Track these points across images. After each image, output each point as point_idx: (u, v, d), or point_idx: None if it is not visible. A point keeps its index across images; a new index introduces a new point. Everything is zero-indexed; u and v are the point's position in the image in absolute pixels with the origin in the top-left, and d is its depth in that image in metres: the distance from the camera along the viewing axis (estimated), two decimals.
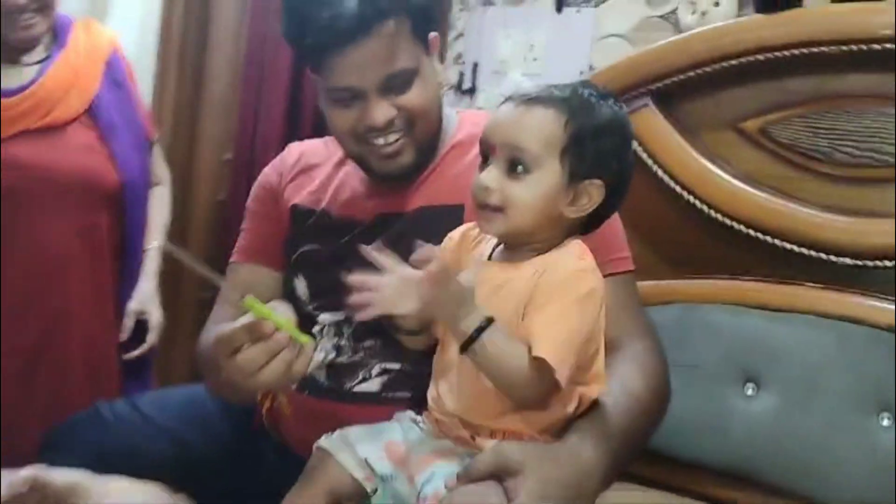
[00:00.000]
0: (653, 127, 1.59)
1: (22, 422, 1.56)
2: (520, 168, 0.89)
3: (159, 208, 1.83)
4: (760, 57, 1.49)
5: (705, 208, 1.53)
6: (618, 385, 0.96)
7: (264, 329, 0.89)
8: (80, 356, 1.67)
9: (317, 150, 1.28)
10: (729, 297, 1.48)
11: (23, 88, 1.61)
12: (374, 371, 1.13)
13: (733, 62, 1.52)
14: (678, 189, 1.56)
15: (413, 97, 1.09)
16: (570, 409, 0.92)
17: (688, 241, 1.58)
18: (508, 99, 0.93)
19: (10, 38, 1.60)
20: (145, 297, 1.75)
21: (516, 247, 0.93)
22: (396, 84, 1.07)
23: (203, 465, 1.21)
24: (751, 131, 1.54)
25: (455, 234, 1.02)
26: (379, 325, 1.08)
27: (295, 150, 1.31)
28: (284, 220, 1.23)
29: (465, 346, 0.85)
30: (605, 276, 0.96)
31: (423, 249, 0.87)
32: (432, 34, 1.14)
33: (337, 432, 0.98)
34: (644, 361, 1.05)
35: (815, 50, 1.44)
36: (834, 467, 1.34)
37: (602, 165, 0.91)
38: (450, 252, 1.01)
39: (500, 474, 0.84)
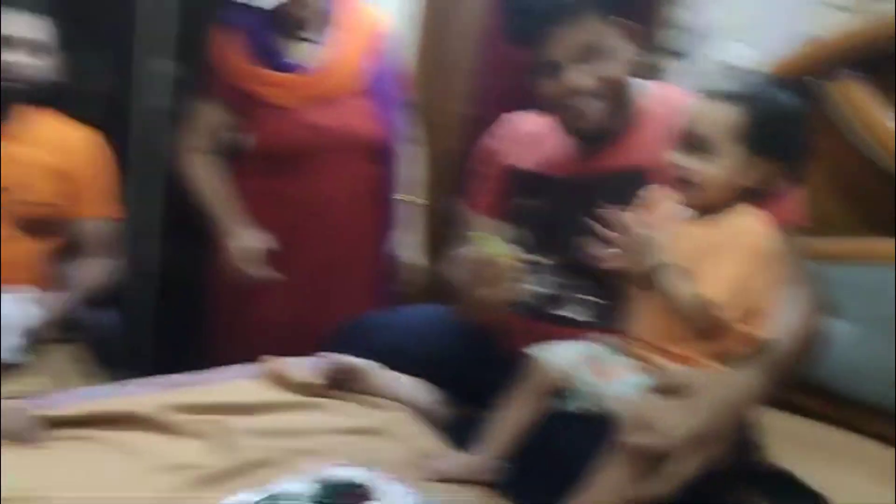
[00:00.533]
0: (859, 96, 1.69)
1: (314, 322, 1.92)
2: (707, 151, 1.13)
3: (417, 165, 2.18)
4: None
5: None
6: (779, 325, 1.17)
7: (485, 259, 1.21)
8: (355, 280, 2.08)
9: (528, 121, 1.56)
10: None
11: (314, 66, 1.96)
12: (575, 301, 1.41)
13: None
14: (879, 154, 1.65)
15: (602, 69, 1.34)
16: (739, 346, 1.15)
17: (886, 203, 1.67)
18: (701, 92, 1.17)
19: (297, 21, 1.96)
20: (411, 246, 2.15)
21: (702, 209, 1.17)
22: (589, 57, 1.34)
23: (446, 364, 1.53)
24: None
25: (649, 194, 1.27)
26: (578, 266, 1.36)
27: (510, 120, 1.59)
28: (502, 178, 1.53)
29: (648, 281, 1.11)
30: (783, 230, 1.19)
31: None
32: (630, 23, 1.37)
33: (545, 345, 1.28)
34: (803, 306, 1.24)
35: None
36: None
37: (775, 148, 1.13)
38: (646, 206, 1.26)
39: (678, 391, 1.09)
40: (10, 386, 1.55)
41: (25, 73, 1.74)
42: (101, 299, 1.96)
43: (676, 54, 2.18)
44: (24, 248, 1.84)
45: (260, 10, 2.00)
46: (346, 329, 1.69)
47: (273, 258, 1.97)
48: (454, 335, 1.58)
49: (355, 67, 2.02)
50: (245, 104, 1.99)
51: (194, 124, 2.04)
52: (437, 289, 2.35)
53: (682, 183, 1.17)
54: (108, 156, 1.96)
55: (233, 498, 0.97)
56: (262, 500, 0.92)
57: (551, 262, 1.45)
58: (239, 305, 2.08)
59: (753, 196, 1.17)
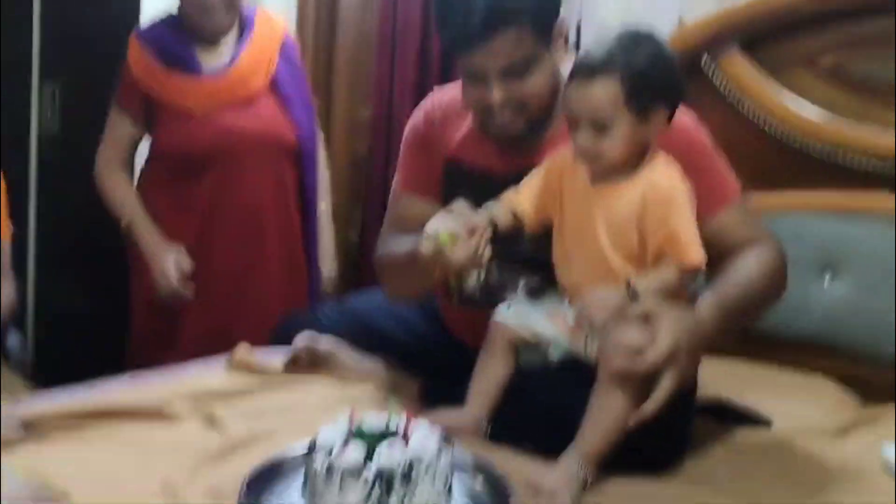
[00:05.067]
0: (739, 69, 1.89)
1: (235, 328, 1.94)
2: (601, 127, 1.22)
3: (322, 170, 2.21)
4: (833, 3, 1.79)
5: (785, 137, 1.83)
6: (737, 271, 1.30)
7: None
8: (276, 283, 2.09)
9: (456, 100, 1.48)
10: (810, 205, 1.80)
11: (223, 70, 2.00)
12: (520, 285, 1.42)
13: (811, 8, 1.82)
14: (761, 122, 1.86)
15: (526, 85, 1.34)
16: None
17: (770, 164, 1.85)
18: (574, 73, 1.24)
19: (204, 28, 1.99)
20: (324, 254, 2.20)
21: (611, 173, 1.26)
22: (514, 72, 1.32)
23: (397, 349, 1.57)
24: (826, 68, 1.83)
25: (557, 159, 1.34)
26: (519, 254, 1.41)
27: (438, 98, 1.55)
28: (437, 164, 1.51)
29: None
30: (727, 208, 1.34)
31: None
32: (557, 25, 1.38)
33: (506, 305, 1.34)
34: (764, 257, 1.35)
35: None
36: None
37: (661, 95, 1.23)
38: (555, 169, 1.33)
39: (648, 318, 1.18)
40: None
41: None
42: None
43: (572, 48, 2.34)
44: None
45: (171, 21, 2.03)
46: (288, 322, 1.71)
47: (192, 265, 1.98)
48: (407, 318, 1.64)
49: (266, 70, 2.06)
50: (159, 113, 2.01)
51: (109, 138, 2.04)
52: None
53: (588, 159, 1.25)
54: None
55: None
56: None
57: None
58: (158, 319, 2.07)
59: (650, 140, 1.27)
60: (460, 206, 1.31)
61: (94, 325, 2.32)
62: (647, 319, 1.19)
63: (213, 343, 1.77)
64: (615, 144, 1.22)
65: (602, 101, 1.21)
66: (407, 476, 0.88)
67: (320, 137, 2.25)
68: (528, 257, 1.43)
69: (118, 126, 2.03)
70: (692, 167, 1.31)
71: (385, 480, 0.88)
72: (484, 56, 1.32)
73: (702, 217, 1.29)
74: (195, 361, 1.49)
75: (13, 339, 1.94)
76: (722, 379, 1.56)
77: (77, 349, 2.29)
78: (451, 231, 1.23)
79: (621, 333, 1.18)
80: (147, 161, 2.11)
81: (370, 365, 1.53)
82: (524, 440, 1.26)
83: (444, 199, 1.47)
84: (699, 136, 1.43)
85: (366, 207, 2.68)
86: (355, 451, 0.90)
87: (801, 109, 1.84)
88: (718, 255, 1.32)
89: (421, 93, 2.50)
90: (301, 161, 2.12)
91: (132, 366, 1.99)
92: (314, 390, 1.39)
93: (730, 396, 1.50)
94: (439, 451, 0.93)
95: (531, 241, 1.42)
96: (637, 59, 1.22)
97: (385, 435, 0.93)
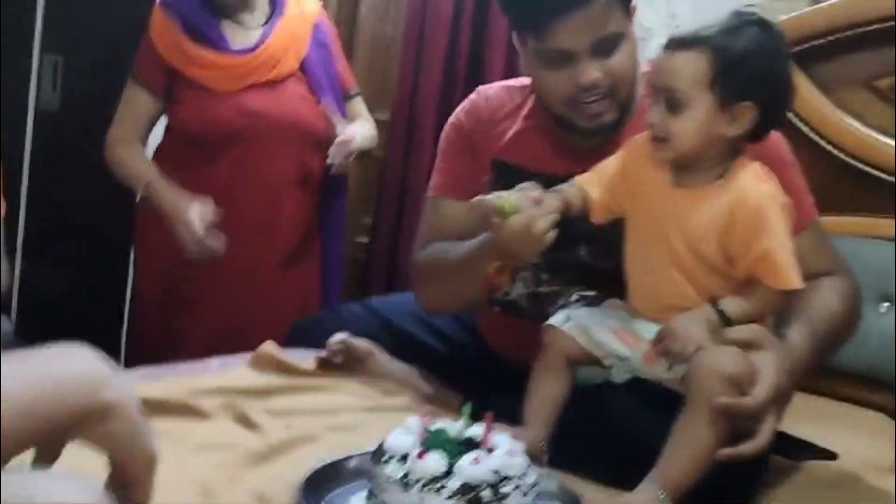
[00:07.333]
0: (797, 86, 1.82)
1: (243, 325, 1.86)
2: (676, 105, 1.07)
3: (366, 130, 2.05)
4: (892, 23, 1.72)
5: (841, 155, 1.76)
6: (823, 304, 1.21)
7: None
8: (287, 279, 1.95)
9: (502, 99, 1.41)
10: (864, 230, 1.71)
11: (252, 49, 1.90)
12: (573, 297, 1.27)
13: (867, 28, 1.75)
14: (817, 138, 1.78)
15: (618, 61, 1.22)
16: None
17: (822, 184, 1.78)
18: (667, 44, 1.10)
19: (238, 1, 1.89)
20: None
21: (691, 169, 1.11)
22: (604, 47, 1.21)
23: (428, 357, 1.45)
24: (883, 89, 1.76)
25: (637, 147, 1.18)
26: (576, 260, 1.29)
27: (485, 96, 1.43)
28: (483, 166, 1.37)
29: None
30: (806, 232, 1.22)
31: None
32: (634, 1, 1.27)
33: (564, 314, 1.19)
34: (842, 288, 1.28)
35: None
36: None
37: (751, 88, 1.07)
38: (634, 159, 1.18)
39: (748, 346, 1.06)
40: None
41: None
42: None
43: None
44: None
45: None
46: (309, 322, 1.61)
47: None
48: (433, 327, 1.52)
49: (296, 53, 1.96)
50: (179, 88, 1.89)
51: (124, 114, 1.92)
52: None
53: (657, 141, 1.10)
54: None
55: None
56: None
57: (539, 262, 1.33)
58: (162, 313, 1.94)
59: (742, 144, 1.13)
60: (529, 185, 1.16)
61: (81, 314, 2.18)
62: (746, 347, 1.07)
63: (222, 340, 1.67)
64: (687, 128, 1.07)
65: (683, 75, 1.06)
66: (495, 489, 0.76)
67: (366, 116, 2.12)
68: (584, 265, 1.30)
69: (135, 101, 1.91)
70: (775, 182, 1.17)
71: (472, 494, 0.76)
72: (573, 30, 1.18)
73: None
74: (213, 359, 1.35)
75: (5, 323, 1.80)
76: None
77: (60, 337, 2.15)
78: (515, 202, 1.10)
79: (719, 360, 1.04)
80: (163, 139, 1.99)
81: (406, 371, 1.41)
82: (586, 464, 1.13)
83: None
84: (785, 151, 1.33)
85: (378, 211, 2.59)
86: (436, 461, 0.78)
87: (858, 130, 1.77)
88: None
89: (445, 97, 2.43)
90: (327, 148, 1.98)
91: (131, 364, 1.87)
92: (349, 391, 1.26)
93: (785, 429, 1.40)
94: (527, 466, 0.81)
95: (589, 246, 1.30)
96: (739, 40, 1.06)
97: (464, 443, 0.82)
